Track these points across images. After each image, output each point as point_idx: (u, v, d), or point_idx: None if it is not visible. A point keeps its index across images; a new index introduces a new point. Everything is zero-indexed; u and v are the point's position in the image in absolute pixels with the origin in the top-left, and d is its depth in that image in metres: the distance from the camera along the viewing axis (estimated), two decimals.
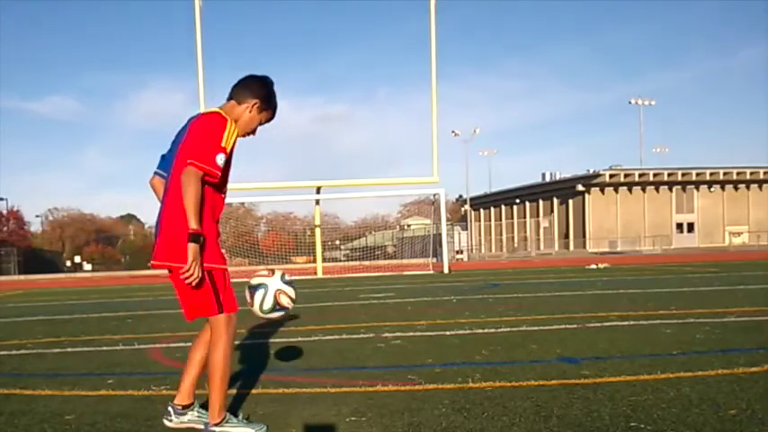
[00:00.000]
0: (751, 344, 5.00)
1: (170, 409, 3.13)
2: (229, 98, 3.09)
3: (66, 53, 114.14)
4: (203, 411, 3.13)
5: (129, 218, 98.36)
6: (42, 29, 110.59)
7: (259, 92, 3.07)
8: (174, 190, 2.91)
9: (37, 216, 75.20)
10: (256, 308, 3.07)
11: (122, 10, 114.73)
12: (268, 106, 3.10)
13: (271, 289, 3.06)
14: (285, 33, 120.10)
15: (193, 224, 2.77)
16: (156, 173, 3.26)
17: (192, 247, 2.78)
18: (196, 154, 2.81)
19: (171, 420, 3.12)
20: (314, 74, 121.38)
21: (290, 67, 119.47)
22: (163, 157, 3.23)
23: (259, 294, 3.05)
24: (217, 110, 3.01)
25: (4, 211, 59.55)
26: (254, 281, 3.10)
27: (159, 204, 3.07)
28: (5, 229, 59.17)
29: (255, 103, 3.06)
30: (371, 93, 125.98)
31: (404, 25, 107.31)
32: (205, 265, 2.89)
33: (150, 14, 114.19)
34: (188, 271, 2.79)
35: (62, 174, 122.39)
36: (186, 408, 3.14)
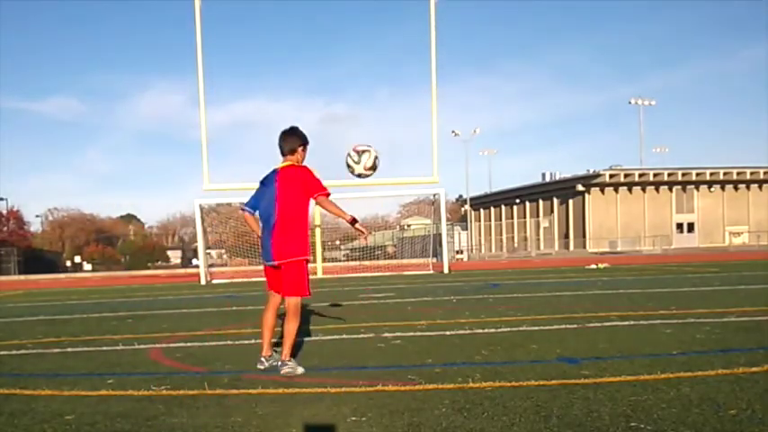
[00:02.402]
0: (751, 344, 5.00)
1: (275, 362, 4.52)
2: (285, 153, 4.65)
3: (69, 54, 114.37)
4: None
5: (129, 218, 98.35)
6: (45, 29, 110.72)
7: (301, 139, 4.69)
8: (283, 218, 4.47)
9: (37, 216, 75.24)
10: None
11: (124, 11, 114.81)
12: (307, 143, 4.73)
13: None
14: (286, 34, 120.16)
15: (348, 216, 4.45)
16: (243, 209, 4.85)
17: (358, 225, 4.52)
18: (319, 188, 4.50)
19: (263, 365, 4.61)
20: (315, 75, 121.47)
21: (290, 68, 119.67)
22: (252, 198, 4.79)
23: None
24: (293, 163, 4.62)
25: (4, 211, 59.54)
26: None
27: (265, 228, 4.60)
28: (5, 229, 59.11)
29: (302, 147, 4.70)
30: (372, 94, 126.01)
31: (405, 26, 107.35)
32: (302, 258, 4.51)
33: (153, 15, 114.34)
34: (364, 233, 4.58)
35: (62, 174, 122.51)
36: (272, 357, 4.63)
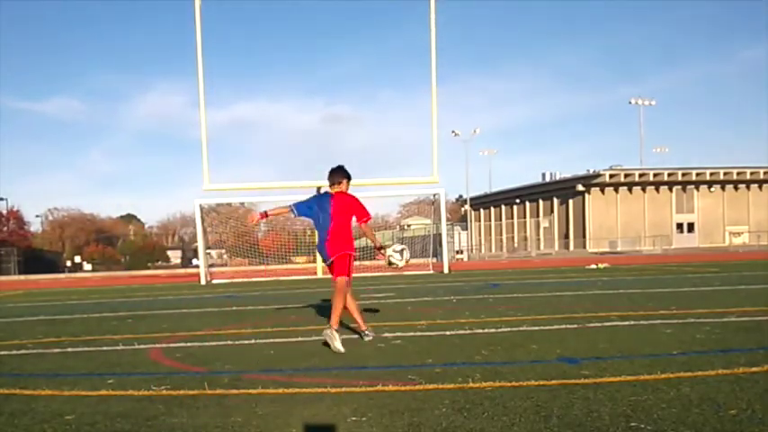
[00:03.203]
0: (751, 344, 5.00)
1: (367, 332, 5.94)
2: (333, 184, 6.00)
3: (70, 54, 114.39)
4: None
5: (130, 218, 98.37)
6: (46, 30, 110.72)
7: (346, 174, 6.01)
8: (335, 229, 5.77)
9: (37, 216, 75.25)
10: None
11: (127, 11, 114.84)
12: (350, 178, 6.07)
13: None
14: (287, 35, 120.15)
15: (378, 242, 6.19)
16: (292, 209, 6.08)
17: (383, 252, 6.22)
18: (366, 215, 5.95)
19: (369, 336, 5.92)
20: (315, 76, 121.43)
21: (292, 69, 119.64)
22: (299, 203, 6.07)
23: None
24: (344, 191, 5.96)
25: (4, 211, 59.53)
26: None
27: (320, 235, 5.86)
28: (5, 229, 59.11)
29: (347, 180, 6.02)
30: (373, 94, 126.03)
31: (405, 27, 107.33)
32: (347, 252, 5.79)
33: (154, 16, 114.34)
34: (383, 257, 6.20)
35: (63, 174, 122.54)
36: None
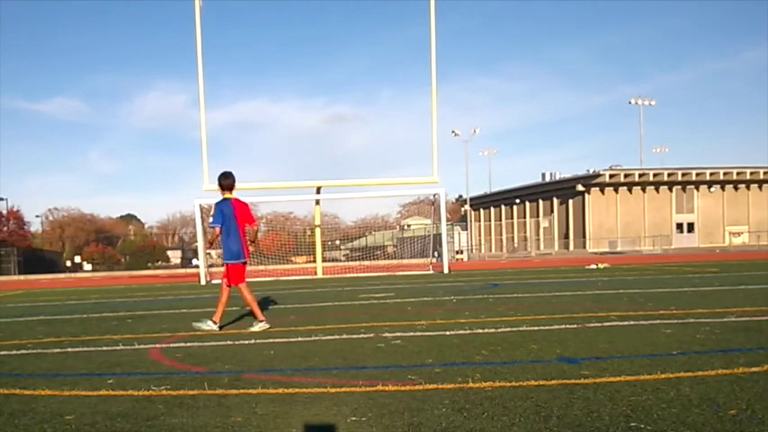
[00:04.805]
0: (751, 344, 5.00)
1: (255, 322, 6.87)
2: (225, 188, 6.98)
3: (72, 55, 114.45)
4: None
5: (129, 218, 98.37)
6: (47, 30, 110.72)
7: (234, 180, 7.02)
8: (243, 233, 7.00)
9: (37, 216, 75.10)
10: None
11: (128, 12, 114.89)
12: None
13: None
14: (288, 35, 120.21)
15: (257, 241, 7.16)
16: (214, 226, 7.01)
17: (253, 245, 7.32)
18: (255, 220, 7.11)
19: (255, 327, 6.79)
20: (316, 76, 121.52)
21: (292, 70, 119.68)
22: (215, 219, 6.99)
23: None
24: (236, 197, 7.02)
25: (4, 211, 59.49)
26: None
27: (235, 238, 6.94)
28: (5, 229, 59.04)
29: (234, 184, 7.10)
30: (374, 94, 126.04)
31: (406, 27, 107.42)
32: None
33: (156, 17, 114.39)
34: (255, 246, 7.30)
35: (63, 174, 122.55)
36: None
